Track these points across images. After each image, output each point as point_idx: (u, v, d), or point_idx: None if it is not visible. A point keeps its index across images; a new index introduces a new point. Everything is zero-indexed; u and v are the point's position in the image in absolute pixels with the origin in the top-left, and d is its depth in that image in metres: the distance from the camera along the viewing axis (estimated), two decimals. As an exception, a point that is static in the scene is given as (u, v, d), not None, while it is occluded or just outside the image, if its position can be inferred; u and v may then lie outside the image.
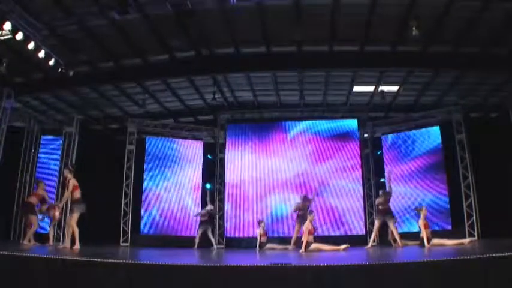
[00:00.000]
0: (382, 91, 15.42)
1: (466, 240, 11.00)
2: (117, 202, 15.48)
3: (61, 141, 15.94)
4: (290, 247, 13.18)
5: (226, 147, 17.35)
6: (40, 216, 13.19)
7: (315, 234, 11.40)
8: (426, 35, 11.79)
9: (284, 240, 14.54)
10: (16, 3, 10.18)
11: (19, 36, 10.50)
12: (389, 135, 16.75)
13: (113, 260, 5.46)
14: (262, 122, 17.75)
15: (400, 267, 4.81)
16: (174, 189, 16.75)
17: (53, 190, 15.23)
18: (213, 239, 14.85)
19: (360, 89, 15.89)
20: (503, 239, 10.56)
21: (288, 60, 13.62)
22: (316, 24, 11.93)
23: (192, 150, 17.38)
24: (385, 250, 10.56)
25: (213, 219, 15.62)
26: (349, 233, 15.53)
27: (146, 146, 16.83)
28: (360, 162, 16.60)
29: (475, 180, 14.48)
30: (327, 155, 16.80)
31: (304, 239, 10.89)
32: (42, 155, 16.03)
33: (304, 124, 17.25)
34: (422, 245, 10.85)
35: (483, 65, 13.18)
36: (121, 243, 15.03)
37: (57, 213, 13.21)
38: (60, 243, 10.88)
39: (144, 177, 16.49)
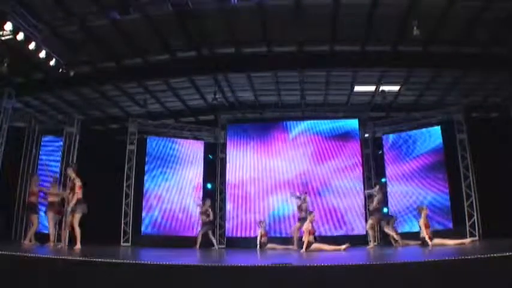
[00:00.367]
0: (383, 91, 15.45)
1: (467, 240, 10.98)
2: (118, 202, 15.47)
3: (62, 142, 15.93)
4: (292, 247, 13.12)
5: (227, 147, 17.35)
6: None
7: (316, 234, 11.38)
8: (427, 35, 11.79)
9: (285, 240, 14.55)
10: (17, 3, 10.19)
11: (20, 36, 10.50)
12: (390, 135, 16.74)
13: (113, 260, 5.46)
14: (263, 122, 17.75)
15: (400, 267, 4.81)
16: (175, 189, 16.75)
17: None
18: (213, 240, 14.81)
19: (360, 89, 15.89)
20: (504, 238, 10.53)
21: (289, 60, 13.62)
22: (317, 24, 11.93)
23: (193, 151, 17.37)
24: (385, 250, 10.55)
25: (213, 220, 15.50)
26: (350, 233, 15.50)
27: (147, 146, 16.83)
28: (360, 162, 16.59)
29: (476, 180, 14.47)
30: (328, 154, 16.79)
31: (305, 239, 10.88)
32: (43, 155, 16.02)
33: (305, 124, 17.25)
34: (423, 245, 10.84)
35: (484, 64, 13.19)
36: (122, 244, 15.04)
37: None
38: (61, 243, 10.84)
39: (145, 177, 16.49)
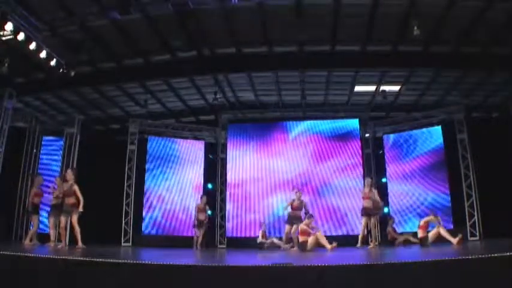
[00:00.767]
0: (384, 91, 15.45)
1: (456, 239, 10.74)
2: (118, 202, 15.49)
3: (62, 142, 15.95)
4: (288, 246, 12.90)
5: (228, 147, 17.36)
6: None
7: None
8: (427, 35, 11.79)
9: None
10: (17, 3, 10.20)
11: (20, 36, 10.52)
12: (391, 135, 16.74)
13: (114, 260, 5.46)
14: (263, 122, 17.76)
15: (400, 267, 4.80)
16: (175, 189, 16.77)
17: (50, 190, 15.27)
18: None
19: (361, 89, 15.89)
20: (505, 238, 10.53)
21: (290, 60, 13.63)
22: (318, 24, 11.93)
23: (193, 150, 17.39)
24: (386, 250, 10.55)
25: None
26: (351, 233, 15.49)
27: (147, 146, 16.85)
28: (361, 162, 16.58)
29: (476, 180, 14.46)
30: (328, 154, 16.79)
31: (300, 239, 10.86)
32: (44, 156, 16.05)
33: (306, 124, 17.25)
34: (421, 245, 10.84)
35: (484, 64, 13.19)
36: (122, 244, 15.05)
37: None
38: (62, 243, 10.85)
39: (146, 177, 16.51)
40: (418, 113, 16.45)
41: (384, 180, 16.46)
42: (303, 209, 12.26)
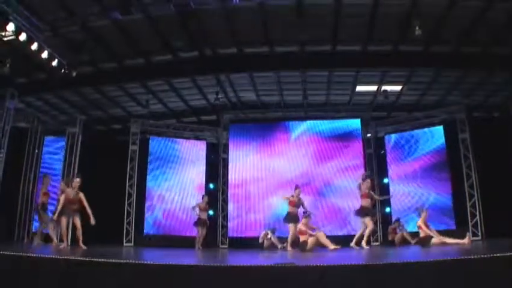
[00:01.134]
0: (385, 91, 15.43)
1: (466, 240, 10.87)
2: (120, 202, 15.49)
3: (64, 142, 15.97)
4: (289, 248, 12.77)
5: (229, 147, 17.36)
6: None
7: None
8: (428, 35, 11.78)
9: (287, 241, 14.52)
10: (19, 4, 10.21)
11: (22, 37, 10.54)
12: (393, 135, 16.73)
13: (116, 260, 5.47)
14: (265, 122, 17.77)
15: (402, 267, 4.80)
16: (177, 189, 16.78)
17: (57, 187, 15.29)
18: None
19: (362, 89, 15.88)
20: (507, 238, 10.51)
21: (291, 60, 13.63)
22: (319, 24, 11.93)
23: (195, 151, 17.40)
24: (387, 250, 10.54)
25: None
26: (353, 233, 15.40)
27: (149, 146, 16.86)
28: (363, 162, 16.57)
29: (478, 180, 14.44)
30: (330, 154, 16.79)
31: (302, 238, 10.82)
32: (46, 156, 16.07)
33: (307, 124, 17.25)
34: (422, 245, 10.82)
35: (486, 64, 13.18)
36: (124, 244, 15.06)
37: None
38: (64, 243, 10.87)
39: (148, 177, 16.52)
40: (419, 112, 16.44)
41: (385, 180, 16.45)
42: (301, 208, 12.18)
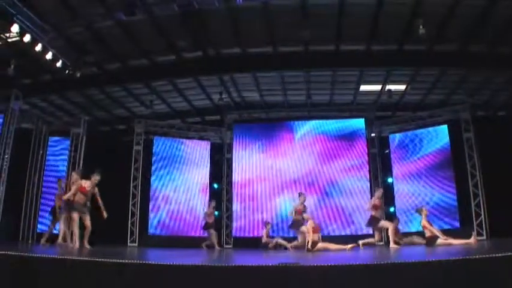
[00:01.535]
0: (389, 90, 15.39)
1: (473, 240, 10.89)
2: (124, 203, 15.52)
3: (69, 143, 16.01)
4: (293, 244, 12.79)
5: (234, 147, 17.36)
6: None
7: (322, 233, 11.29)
8: (433, 34, 11.76)
9: (292, 240, 14.50)
10: (23, 5, 10.24)
11: (26, 38, 10.59)
12: (397, 134, 16.69)
13: (120, 260, 5.48)
14: (269, 121, 17.77)
15: (404, 266, 4.80)
16: (181, 189, 16.78)
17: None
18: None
19: (366, 88, 15.87)
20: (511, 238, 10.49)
21: (295, 60, 13.64)
22: (322, 24, 11.92)
23: (199, 151, 17.40)
24: (390, 250, 10.52)
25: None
26: (357, 233, 15.43)
27: (153, 147, 16.86)
28: (367, 161, 16.54)
29: (483, 179, 14.39)
30: (334, 154, 16.76)
31: (310, 238, 10.80)
32: (50, 156, 16.11)
33: (311, 124, 17.23)
34: (427, 244, 10.80)
35: (490, 63, 13.14)
36: (129, 244, 15.08)
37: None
38: (72, 243, 10.80)
39: (152, 178, 16.52)
40: (423, 112, 16.39)
41: (389, 180, 16.42)
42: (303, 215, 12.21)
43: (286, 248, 13.20)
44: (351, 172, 16.46)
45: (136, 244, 15.14)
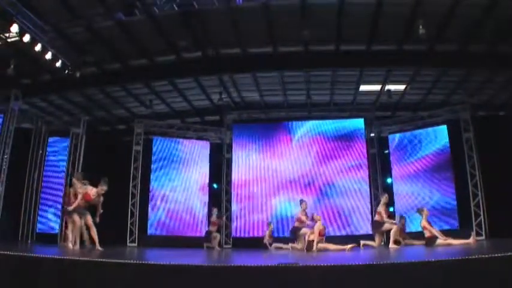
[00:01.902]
0: (389, 90, 15.40)
1: (472, 240, 10.93)
2: (124, 203, 15.50)
3: (68, 142, 16.01)
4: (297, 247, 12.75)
5: (233, 147, 17.34)
6: None
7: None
8: (433, 34, 11.76)
9: (291, 241, 14.50)
10: (23, 5, 10.24)
11: (26, 38, 10.58)
12: (396, 135, 16.68)
13: (120, 260, 5.48)
14: (268, 122, 17.76)
15: (406, 267, 4.80)
16: (180, 189, 16.77)
17: (61, 188, 15.36)
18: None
19: (366, 88, 15.87)
20: (511, 238, 10.49)
21: (295, 60, 13.63)
22: (323, 24, 11.91)
23: (198, 151, 17.38)
24: (389, 250, 10.53)
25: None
26: (355, 233, 15.43)
27: (153, 147, 16.85)
28: (366, 161, 16.54)
29: (482, 179, 14.39)
30: (333, 154, 16.76)
31: (315, 238, 10.81)
32: (50, 156, 16.11)
33: (311, 124, 17.22)
34: (427, 245, 10.81)
35: (490, 63, 13.14)
36: (128, 244, 15.07)
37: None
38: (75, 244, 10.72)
39: (151, 177, 16.51)
40: (423, 112, 16.39)
41: (389, 180, 16.42)
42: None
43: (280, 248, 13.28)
44: (350, 173, 16.45)
45: (135, 244, 15.13)
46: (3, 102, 13.73)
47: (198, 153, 17.33)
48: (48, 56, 11.65)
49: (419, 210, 11.65)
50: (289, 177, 16.65)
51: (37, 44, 11.05)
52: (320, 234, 10.91)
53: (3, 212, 13.43)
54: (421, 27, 10.75)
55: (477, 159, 14.55)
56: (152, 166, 16.64)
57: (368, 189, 16.16)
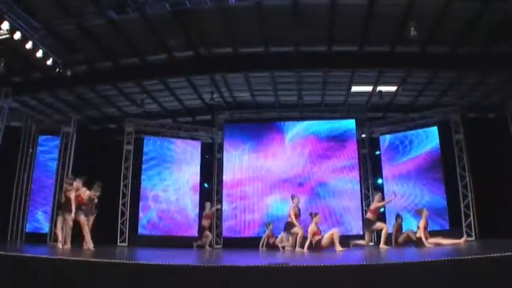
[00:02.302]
0: (380, 91, 15.45)
1: (462, 240, 11.01)
2: (114, 202, 15.42)
3: (59, 141, 15.92)
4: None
5: (224, 147, 17.33)
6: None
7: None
8: (424, 36, 11.81)
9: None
10: (14, 2, 10.16)
11: (17, 35, 10.48)
12: (387, 136, 16.76)
13: (111, 260, 5.45)
14: (260, 122, 17.76)
15: (398, 267, 4.81)
16: (171, 189, 16.74)
17: (51, 187, 15.30)
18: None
19: (358, 89, 15.89)
20: (500, 239, 10.57)
21: (286, 60, 13.62)
22: (315, 24, 11.93)
23: (189, 150, 17.36)
24: (382, 251, 10.56)
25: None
26: (347, 233, 15.44)
27: (144, 146, 16.81)
28: (357, 162, 16.60)
29: (472, 181, 14.50)
30: (325, 155, 16.81)
31: (308, 237, 10.89)
32: (40, 155, 16.02)
33: (303, 124, 17.26)
34: (417, 245, 10.86)
35: (481, 65, 13.22)
36: (119, 244, 15.01)
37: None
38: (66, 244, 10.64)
39: (142, 177, 16.46)
40: (414, 113, 16.48)
41: (380, 181, 16.49)
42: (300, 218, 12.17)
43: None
44: (342, 173, 16.51)
45: (126, 244, 15.07)
46: (-7, 100, 13.65)
47: (189, 153, 17.31)
48: (39, 53, 11.56)
49: (419, 211, 11.69)
50: (282, 177, 16.67)
51: (28, 41, 10.96)
52: (316, 234, 10.95)
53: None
54: (412, 28, 10.80)
55: (467, 160, 14.68)
56: (143, 166, 16.59)
57: (359, 190, 16.24)
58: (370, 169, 16.65)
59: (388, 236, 12.13)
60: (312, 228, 11.07)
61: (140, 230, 15.97)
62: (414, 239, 11.61)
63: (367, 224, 12.37)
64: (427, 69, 14.00)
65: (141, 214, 16.08)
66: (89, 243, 10.49)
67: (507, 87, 14.60)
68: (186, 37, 12.64)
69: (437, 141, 15.66)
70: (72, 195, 10.42)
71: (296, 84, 15.55)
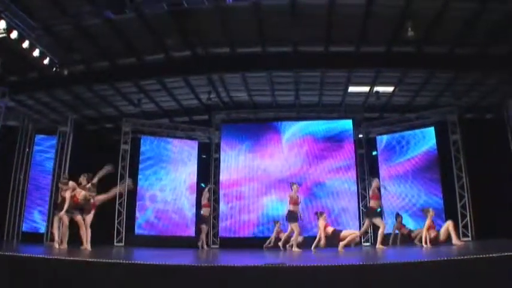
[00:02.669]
0: (377, 92, 15.46)
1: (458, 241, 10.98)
2: (111, 202, 15.36)
3: (55, 141, 15.89)
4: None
5: (221, 147, 17.33)
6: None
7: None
8: (421, 36, 11.83)
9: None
10: (11, 1, 10.13)
11: (14, 35, 10.47)
12: (384, 136, 16.78)
13: (108, 260, 5.44)
14: (257, 122, 17.77)
15: (397, 267, 4.81)
16: (168, 189, 16.73)
17: (47, 187, 15.25)
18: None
19: (355, 90, 15.90)
20: (497, 239, 10.59)
21: (284, 60, 13.62)
22: (313, 24, 11.93)
23: (186, 150, 17.35)
24: (380, 250, 10.57)
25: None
26: (344, 233, 15.47)
27: (141, 146, 16.80)
28: (354, 162, 16.62)
29: (469, 181, 14.53)
30: (322, 155, 16.82)
31: (321, 235, 11.09)
32: (37, 154, 15.98)
33: (300, 124, 17.27)
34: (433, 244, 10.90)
35: (478, 66, 13.24)
36: (115, 244, 14.99)
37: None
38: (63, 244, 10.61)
39: (139, 177, 16.44)
40: (411, 114, 16.50)
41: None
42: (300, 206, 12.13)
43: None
44: (338, 173, 16.53)
45: (122, 244, 15.05)
46: (-10, 100, 13.61)
47: (186, 153, 17.30)
48: (36, 53, 11.54)
49: (425, 211, 11.66)
50: (278, 178, 16.67)
51: (25, 40, 10.95)
52: (326, 226, 11.30)
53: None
54: (410, 29, 10.82)
55: (464, 161, 14.71)
56: (140, 165, 16.58)
57: (356, 190, 16.26)
58: (367, 169, 16.65)
59: (385, 237, 12.09)
60: (321, 223, 11.25)
61: (137, 230, 15.96)
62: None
63: (368, 212, 12.28)
64: (424, 69, 14.02)
65: (137, 214, 16.08)
66: (86, 244, 10.45)
67: (504, 87, 14.62)
68: (184, 37, 12.63)
69: (434, 141, 15.69)
70: (68, 194, 10.37)
71: (293, 85, 15.55)
